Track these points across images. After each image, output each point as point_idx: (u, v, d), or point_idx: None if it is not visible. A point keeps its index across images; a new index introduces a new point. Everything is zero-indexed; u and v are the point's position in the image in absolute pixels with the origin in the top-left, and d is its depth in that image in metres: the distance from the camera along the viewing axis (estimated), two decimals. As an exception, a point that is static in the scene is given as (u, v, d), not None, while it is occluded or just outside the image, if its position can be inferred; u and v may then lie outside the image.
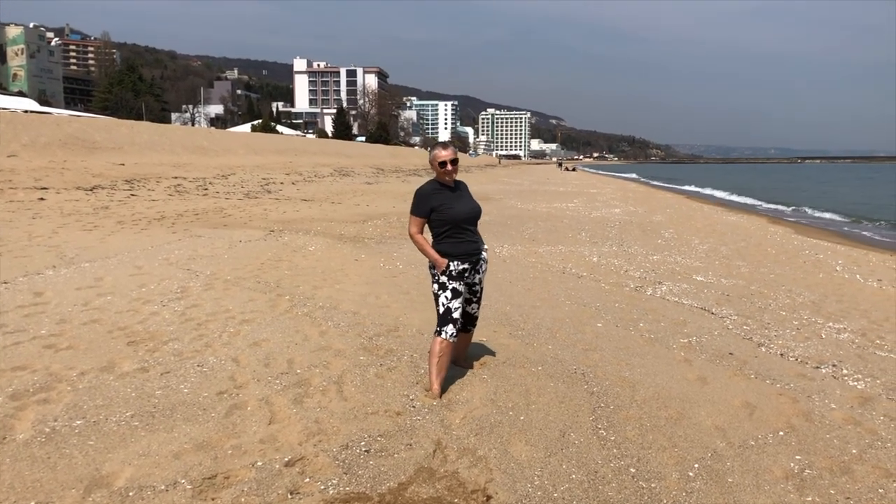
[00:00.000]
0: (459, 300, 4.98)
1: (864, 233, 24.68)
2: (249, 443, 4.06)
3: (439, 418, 4.50)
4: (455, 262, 4.97)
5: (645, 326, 7.60)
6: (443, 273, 4.97)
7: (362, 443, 4.10)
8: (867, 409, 5.15)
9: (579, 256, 13.08)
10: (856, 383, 5.84)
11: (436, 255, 4.98)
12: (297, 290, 8.42)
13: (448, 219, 4.97)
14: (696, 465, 4.04)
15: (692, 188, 60.33)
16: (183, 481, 3.60)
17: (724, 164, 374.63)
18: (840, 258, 14.82)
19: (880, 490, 3.85)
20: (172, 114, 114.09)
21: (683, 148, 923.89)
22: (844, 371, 6.20)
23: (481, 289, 5.32)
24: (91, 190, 20.18)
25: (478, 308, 5.40)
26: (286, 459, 3.86)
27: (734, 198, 46.91)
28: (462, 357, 5.56)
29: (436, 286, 5.04)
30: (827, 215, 31.92)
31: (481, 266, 5.20)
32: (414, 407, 4.68)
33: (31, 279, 8.31)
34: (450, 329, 4.92)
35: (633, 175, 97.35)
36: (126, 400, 4.66)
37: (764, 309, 8.96)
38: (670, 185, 66.16)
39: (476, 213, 5.11)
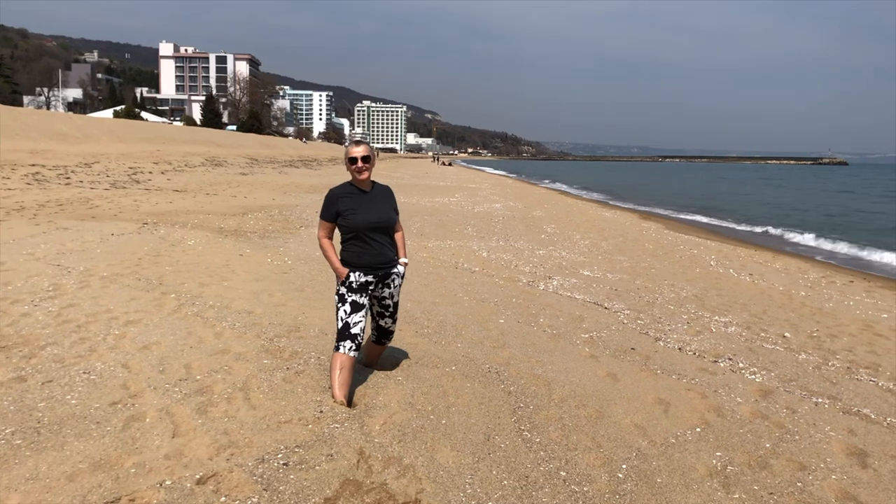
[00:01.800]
0: (360, 314, 4.67)
1: (730, 226, 26.13)
2: (153, 459, 3.67)
3: (358, 425, 4.25)
4: (356, 273, 4.68)
5: (545, 322, 7.62)
6: (342, 284, 4.69)
7: (279, 455, 3.79)
8: (770, 403, 5.32)
9: (469, 251, 13.08)
10: (753, 376, 6.05)
11: (337, 264, 4.70)
12: (182, 288, 7.89)
13: (351, 226, 4.65)
14: (624, 466, 4.00)
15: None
16: (81, 507, 3.20)
17: (590, 161, 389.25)
18: (712, 253, 15.57)
19: (798, 484, 3.94)
20: (25, 97, 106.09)
21: (553, 145, 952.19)
22: (741, 364, 6.42)
23: (395, 303, 5.02)
24: (-65, 177, 18.39)
25: (392, 323, 5.11)
26: (197, 477, 3.51)
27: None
28: (374, 362, 5.33)
29: (336, 297, 4.75)
30: (697, 217, 32.89)
31: (393, 280, 4.88)
32: (327, 413, 4.40)
33: None
34: (347, 344, 4.61)
35: (502, 171, 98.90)
36: (3, 415, 4.13)
37: (652, 303, 9.21)
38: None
39: (384, 222, 4.76)
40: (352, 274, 4.67)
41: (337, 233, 4.82)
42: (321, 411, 4.41)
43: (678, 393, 5.36)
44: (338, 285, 4.73)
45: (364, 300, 4.71)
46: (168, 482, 3.44)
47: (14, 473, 3.45)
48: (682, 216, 31.38)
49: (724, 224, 27.96)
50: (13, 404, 4.29)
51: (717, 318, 8.52)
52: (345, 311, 4.66)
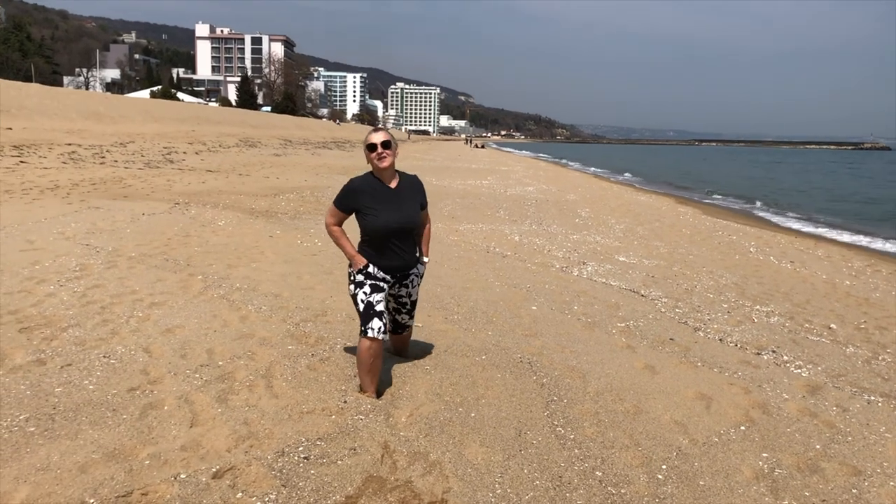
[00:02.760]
0: (381, 294, 4.34)
1: (762, 213, 25.51)
2: (169, 450, 3.52)
3: (383, 417, 4.06)
4: (373, 268, 4.37)
5: (580, 309, 7.36)
6: (359, 272, 4.37)
7: (300, 448, 3.62)
8: (818, 400, 5.02)
9: (501, 235, 12.83)
10: (799, 371, 5.74)
11: (352, 251, 4.36)
12: (210, 270, 7.78)
13: (370, 229, 4.33)
14: (664, 467, 3.76)
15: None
16: (92, 501, 3.06)
17: (625, 144, 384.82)
18: (752, 240, 15.12)
19: (854, 490, 3.66)
20: (65, 77, 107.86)
21: (587, 128, 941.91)
22: (785, 357, 6.11)
23: (412, 301, 4.76)
24: (-27, 155, 18.58)
25: (409, 319, 4.86)
26: (214, 470, 3.35)
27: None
28: (400, 350, 5.10)
29: (352, 286, 4.40)
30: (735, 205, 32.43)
31: (412, 280, 4.63)
32: (351, 404, 4.22)
33: None
34: (375, 324, 4.25)
35: (535, 154, 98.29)
36: (19, 399, 4.02)
37: (691, 291, 8.90)
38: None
39: (408, 224, 4.38)
40: (370, 266, 4.39)
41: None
42: (345, 401, 4.24)
43: (720, 387, 5.08)
44: (352, 274, 4.42)
45: (384, 285, 4.43)
46: (183, 475, 3.29)
47: (25, 463, 3.32)
48: (713, 201, 30.70)
49: (761, 211, 27.30)
50: (30, 388, 4.18)
51: (758, 307, 8.19)
52: (364, 292, 4.32)
